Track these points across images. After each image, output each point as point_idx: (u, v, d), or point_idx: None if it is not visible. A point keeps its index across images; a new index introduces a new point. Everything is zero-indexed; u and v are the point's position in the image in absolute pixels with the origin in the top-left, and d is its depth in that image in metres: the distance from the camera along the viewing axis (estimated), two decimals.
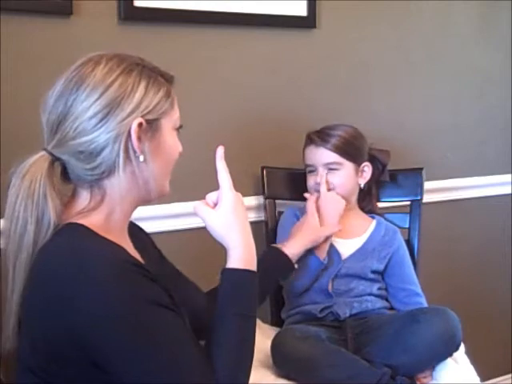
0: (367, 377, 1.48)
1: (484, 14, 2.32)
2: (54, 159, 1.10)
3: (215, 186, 1.25)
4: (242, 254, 1.16)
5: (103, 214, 1.11)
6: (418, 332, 1.51)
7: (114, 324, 0.99)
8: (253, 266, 1.16)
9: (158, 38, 1.70)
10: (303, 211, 1.74)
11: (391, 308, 1.76)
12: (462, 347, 1.58)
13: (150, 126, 1.10)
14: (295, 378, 1.50)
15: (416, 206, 1.91)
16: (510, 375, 2.54)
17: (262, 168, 1.85)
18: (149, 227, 1.39)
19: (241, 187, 1.21)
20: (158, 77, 1.12)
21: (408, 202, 1.92)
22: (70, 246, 1.04)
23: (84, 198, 1.12)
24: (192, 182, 1.64)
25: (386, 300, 1.77)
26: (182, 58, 1.71)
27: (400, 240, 1.80)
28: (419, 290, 1.77)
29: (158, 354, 1.00)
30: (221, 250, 1.24)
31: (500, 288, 2.47)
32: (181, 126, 1.18)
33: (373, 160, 1.82)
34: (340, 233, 1.76)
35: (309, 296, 1.71)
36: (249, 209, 1.25)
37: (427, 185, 1.95)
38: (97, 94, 1.06)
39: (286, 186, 1.86)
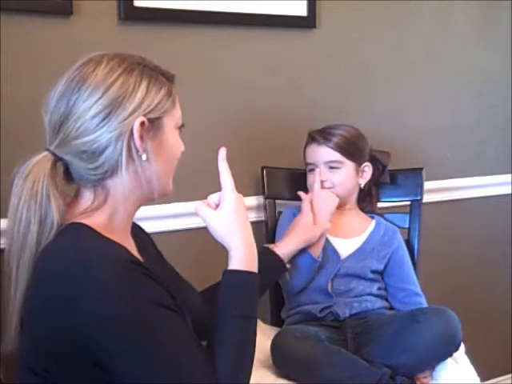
0: (367, 377, 1.48)
1: (484, 13, 2.32)
2: (57, 159, 1.10)
3: (215, 185, 1.25)
4: (243, 256, 1.16)
5: (106, 213, 1.11)
6: (418, 332, 1.51)
7: (117, 324, 0.99)
8: (254, 268, 1.17)
9: (158, 37, 1.70)
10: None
11: (391, 308, 1.76)
12: (462, 347, 1.58)
13: (152, 124, 1.10)
14: (295, 378, 1.50)
15: (416, 206, 1.91)
16: (509, 375, 2.54)
17: (262, 168, 1.86)
18: (149, 227, 1.39)
19: (241, 187, 1.22)
20: (159, 76, 1.13)
21: (408, 202, 1.92)
22: (73, 245, 1.04)
23: (87, 197, 1.12)
24: (192, 182, 1.64)
25: (386, 300, 1.77)
26: (182, 58, 1.71)
27: (399, 240, 1.80)
28: (419, 290, 1.77)
29: (160, 354, 1.00)
30: (221, 251, 1.24)
31: (500, 288, 2.47)
32: (183, 125, 1.18)
33: (373, 161, 1.82)
34: (339, 232, 1.76)
35: (308, 296, 1.71)
36: (249, 209, 1.25)
37: (427, 185, 1.95)
38: (98, 94, 1.06)
39: (286, 185, 1.86)
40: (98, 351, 1.00)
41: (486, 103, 2.36)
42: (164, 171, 1.15)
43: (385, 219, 1.85)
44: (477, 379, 1.60)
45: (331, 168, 1.74)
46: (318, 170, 1.74)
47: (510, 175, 2.42)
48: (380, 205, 1.93)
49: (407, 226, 1.90)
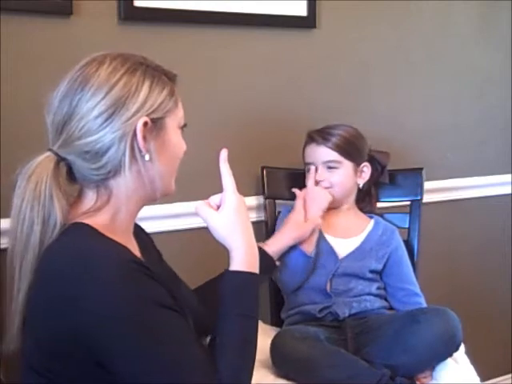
0: (366, 377, 1.48)
1: (484, 13, 2.32)
2: (60, 159, 1.10)
3: (215, 185, 1.25)
4: (244, 256, 1.16)
5: (109, 213, 1.11)
6: (418, 332, 1.51)
7: (119, 324, 0.99)
8: (255, 268, 1.17)
9: (158, 37, 1.70)
10: None
11: (390, 308, 1.76)
12: (462, 347, 1.58)
13: (155, 124, 1.10)
14: (294, 379, 1.50)
15: (416, 206, 1.91)
16: (509, 375, 2.54)
17: (262, 168, 1.86)
18: (149, 227, 1.39)
19: (241, 187, 1.22)
20: (162, 76, 1.13)
21: (408, 202, 1.92)
22: (76, 245, 1.05)
23: (90, 198, 1.12)
24: (192, 182, 1.64)
25: (385, 300, 1.77)
26: (182, 58, 1.71)
27: (398, 239, 1.80)
28: (418, 290, 1.77)
29: (162, 354, 1.00)
30: (222, 251, 1.24)
31: (500, 288, 2.47)
32: (185, 125, 1.18)
33: (372, 161, 1.82)
34: (337, 232, 1.76)
35: (307, 296, 1.71)
36: (249, 209, 1.25)
37: (427, 185, 1.95)
38: (102, 94, 1.06)
39: (286, 185, 1.85)
40: (100, 351, 1.00)
41: (485, 103, 2.36)
42: (167, 171, 1.15)
43: (384, 219, 1.85)
44: (477, 379, 1.60)
45: (329, 168, 1.75)
46: (312, 168, 1.76)
47: (510, 175, 2.42)
48: (380, 205, 1.93)
49: (407, 226, 1.90)
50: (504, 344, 2.48)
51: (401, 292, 1.76)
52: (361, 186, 1.81)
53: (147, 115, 1.09)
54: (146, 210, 1.19)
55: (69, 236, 1.06)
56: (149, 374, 1.00)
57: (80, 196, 1.14)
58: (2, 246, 1.39)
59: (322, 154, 1.75)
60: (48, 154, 1.10)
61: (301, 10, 1.91)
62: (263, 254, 1.59)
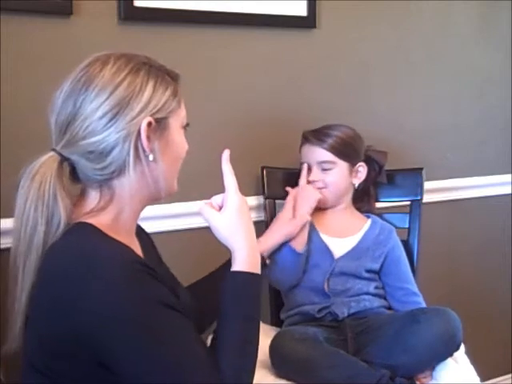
0: (366, 378, 1.47)
1: (484, 13, 2.32)
2: (63, 159, 1.10)
3: (215, 185, 1.25)
4: (246, 257, 1.17)
5: (112, 213, 1.11)
6: (419, 332, 1.51)
7: (122, 325, 0.99)
8: (257, 269, 1.18)
9: (158, 38, 1.70)
10: None
11: (390, 307, 1.76)
12: (462, 347, 1.58)
13: (159, 124, 1.10)
14: (294, 379, 1.50)
15: (416, 206, 1.91)
16: (509, 375, 2.54)
17: (262, 168, 1.86)
18: (149, 227, 1.39)
19: (241, 187, 1.22)
20: (165, 75, 1.13)
21: (408, 202, 1.92)
22: (79, 245, 1.05)
23: (93, 197, 1.12)
24: (192, 183, 1.64)
25: (385, 299, 1.76)
26: (182, 58, 1.71)
27: (395, 239, 1.80)
28: (416, 289, 1.77)
29: (165, 355, 1.00)
30: (222, 251, 1.24)
31: (500, 288, 2.47)
32: (187, 124, 1.19)
33: (370, 161, 1.82)
34: (333, 232, 1.77)
35: (306, 296, 1.71)
36: (249, 209, 1.26)
37: (427, 185, 1.95)
38: (106, 94, 1.06)
39: (286, 186, 1.85)
40: (103, 352, 1.00)
41: (486, 103, 2.36)
42: (170, 171, 1.15)
43: (384, 219, 1.85)
44: (477, 379, 1.60)
45: (323, 169, 1.75)
46: (305, 166, 1.76)
47: (510, 175, 2.42)
48: (380, 205, 1.93)
49: (407, 226, 1.90)
50: (504, 344, 2.48)
51: (399, 291, 1.76)
52: (356, 185, 1.81)
53: (151, 115, 1.09)
54: (146, 210, 1.19)
55: (72, 235, 1.06)
56: (152, 374, 1.00)
57: (83, 196, 1.14)
58: (3, 246, 1.40)
59: (315, 154, 1.75)
60: (51, 153, 1.10)
61: (301, 9, 1.91)
62: None
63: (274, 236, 1.66)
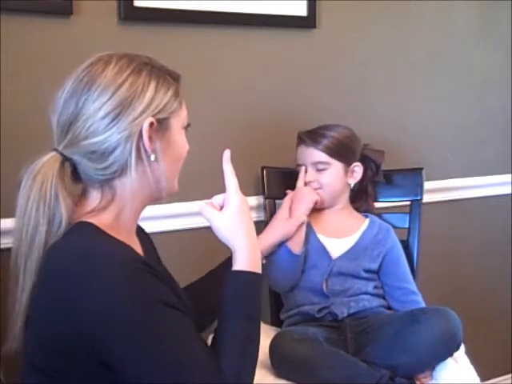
0: (366, 378, 1.47)
1: (484, 13, 2.32)
2: (65, 159, 1.10)
3: (215, 185, 1.25)
4: (247, 256, 1.17)
5: (113, 213, 1.11)
6: (419, 332, 1.51)
7: (123, 325, 0.99)
8: (258, 268, 1.18)
9: (158, 38, 1.70)
10: None
11: (389, 307, 1.76)
12: (462, 347, 1.58)
13: (161, 125, 1.11)
14: (294, 380, 1.50)
15: (416, 206, 1.90)
16: (509, 375, 2.54)
17: (262, 168, 1.86)
18: (149, 227, 1.39)
19: (241, 187, 1.22)
20: (167, 76, 1.13)
21: (408, 202, 1.92)
22: (80, 244, 1.05)
23: (94, 197, 1.12)
24: (192, 183, 1.63)
25: (384, 298, 1.76)
26: (181, 58, 1.71)
27: (394, 238, 1.80)
28: (415, 288, 1.77)
29: (166, 354, 1.00)
30: (222, 251, 1.24)
31: (500, 288, 2.47)
32: (189, 125, 1.19)
33: (366, 160, 1.82)
34: (331, 232, 1.77)
35: (305, 296, 1.71)
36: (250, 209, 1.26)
37: (427, 185, 1.95)
38: (108, 94, 1.07)
39: (285, 186, 1.85)
40: (104, 351, 1.00)
41: (486, 103, 2.36)
42: (171, 171, 1.16)
43: (383, 219, 1.85)
44: (477, 379, 1.60)
45: (318, 169, 1.75)
46: (303, 169, 1.76)
47: (510, 175, 2.42)
48: (380, 205, 1.93)
49: (407, 226, 1.90)
50: (504, 344, 2.48)
51: (398, 291, 1.76)
52: (352, 185, 1.81)
53: (153, 116, 1.09)
54: (146, 210, 1.19)
55: (74, 235, 1.06)
56: (152, 373, 1.00)
57: (84, 195, 1.14)
58: (3, 246, 1.40)
59: (310, 155, 1.76)
60: (53, 153, 1.10)
61: (301, 9, 1.91)
62: None
63: (271, 236, 1.66)
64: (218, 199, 1.23)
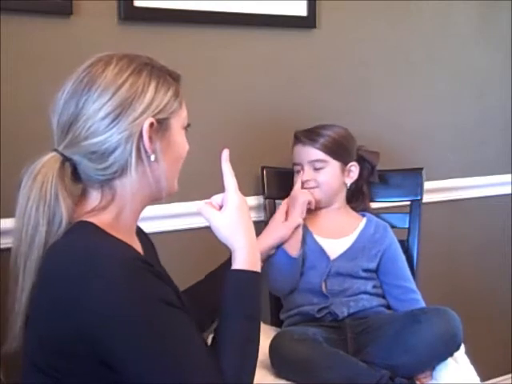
0: (366, 378, 1.47)
1: (484, 14, 2.32)
2: (65, 160, 1.10)
3: (215, 185, 1.25)
4: (246, 256, 1.17)
5: (113, 212, 1.11)
6: (419, 332, 1.51)
7: (123, 325, 0.99)
8: (257, 268, 1.18)
9: (158, 38, 1.70)
10: None
11: (389, 306, 1.76)
12: (462, 347, 1.58)
13: (161, 125, 1.11)
14: (294, 380, 1.50)
15: (416, 206, 1.90)
16: (509, 375, 2.54)
17: (262, 168, 1.86)
18: (149, 227, 1.39)
19: (241, 187, 1.22)
20: (167, 76, 1.13)
21: (408, 202, 1.92)
22: (81, 244, 1.05)
23: (94, 197, 1.12)
24: (192, 183, 1.64)
25: (383, 298, 1.76)
26: (181, 58, 1.71)
27: (391, 236, 1.79)
28: (414, 286, 1.77)
29: (167, 354, 1.00)
30: (221, 251, 1.24)
31: (500, 288, 2.47)
32: (188, 125, 1.19)
33: (362, 161, 1.82)
34: (328, 233, 1.77)
35: (304, 297, 1.71)
36: (249, 209, 1.26)
37: (427, 185, 1.95)
38: (108, 95, 1.07)
39: (285, 186, 1.85)
40: (104, 351, 1.00)
41: (485, 103, 2.36)
42: (171, 171, 1.16)
43: (384, 219, 1.85)
44: (477, 379, 1.60)
45: (315, 168, 1.75)
46: (301, 173, 1.76)
47: (510, 175, 2.42)
48: (380, 205, 1.93)
49: (407, 226, 1.90)
50: (504, 344, 2.48)
51: (397, 290, 1.75)
52: (348, 185, 1.81)
53: (153, 116, 1.09)
54: (146, 210, 1.19)
55: (74, 234, 1.07)
56: (153, 373, 1.00)
57: (84, 195, 1.14)
58: (3, 246, 1.40)
59: (307, 153, 1.75)
60: (53, 154, 1.10)
61: (301, 9, 1.91)
62: None
63: (266, 239, 1.66)
64: (217, 199, 1.23)
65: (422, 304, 1.73)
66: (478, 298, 2.40)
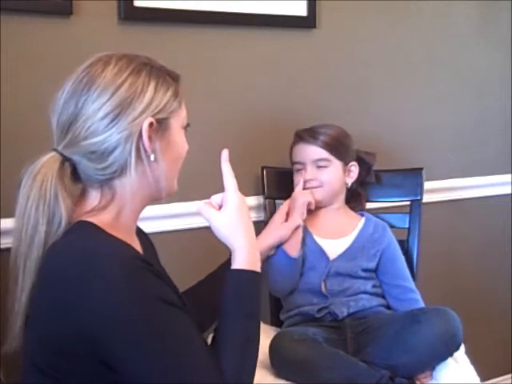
0: (365, 378, 1.47)
1: (484, 14, 2.32)
2: (65, 160, 1.10)
3: (214, 185, 1.25)
4: (246, 256, 1.17)
5: (113, 212, 1.11)
6: (419, 332, 1.51)
7: (123, 325, 0.99)
8: (257, 267, 1.18)
9: (158, 38, 1.70)
10: None
11: (388, 306, 1.76)
12: (462, 347, 1.58)
13: (160, 125, 1.11)
14: (294, 380, 1.50)
15: (416, 206, 1.90)
16: (509, 375, 2.54)
17: (262, 168, 1.86)
18: (149, 227, 1.39)
19: (241, 187, 1.22)
20: (166, 76, 1.13)
21: (408, 202, 1.92)
22: (80, 243, 1.05)
23: (94, 197, 1.12)
24: (191, 183, 1.64)
25: (383, 297, 1.76)
26: (181, 58, 1.71)
27: (390, 236, 1.79)
28: (413, 286, 1.77)
29: (166, 353, 1.00)
30: (221, 251, 1.24)
31: (500, 288, 2.47)
32: (188, 125, 1.19)
33: (359, 161, 1.82)
34: (327, 233, 1.77)
35: (304, 298, 1.71)
36: (249, 209, 1.26)
37: (427, 185, 1.95)
38: (108, 95, 1.07)
39: (285, 186, 1.85)
40: (104, 351, 1.00)
41: (485, 103, 2.36)
42: (171, 171, 1.16)
43: (383, 219, 1.85)
44: (477, 379, 1.60)
45: (319, 167, 1.75)
46: (303, 172, 1.75)
47: (510, 175, 2.42)
48: (380, 205, 1.93)
49: (407, 226, 1.90)
50: (504, 344, 2.48)
51: (396, 289, 1.75)
52: (349, 185, 1.81)
53: (152, 116, 1.09)
54: (146, 210, 1.19)
55: (73, 234, 1.07)
56: (153, 373, 1.00)
57: (83, 195, 1.14)
58: (3, 246, 1.40)
59: (311, 152, 1.75)
60: (53, 153, 1.10)
61: (301, 9, 1.91)
62: None
63: (266, 239, 1.66)
64: (216, 199, 1.23)
65: (421, 303, 1.73)
66: (478, 298, 2.40)
